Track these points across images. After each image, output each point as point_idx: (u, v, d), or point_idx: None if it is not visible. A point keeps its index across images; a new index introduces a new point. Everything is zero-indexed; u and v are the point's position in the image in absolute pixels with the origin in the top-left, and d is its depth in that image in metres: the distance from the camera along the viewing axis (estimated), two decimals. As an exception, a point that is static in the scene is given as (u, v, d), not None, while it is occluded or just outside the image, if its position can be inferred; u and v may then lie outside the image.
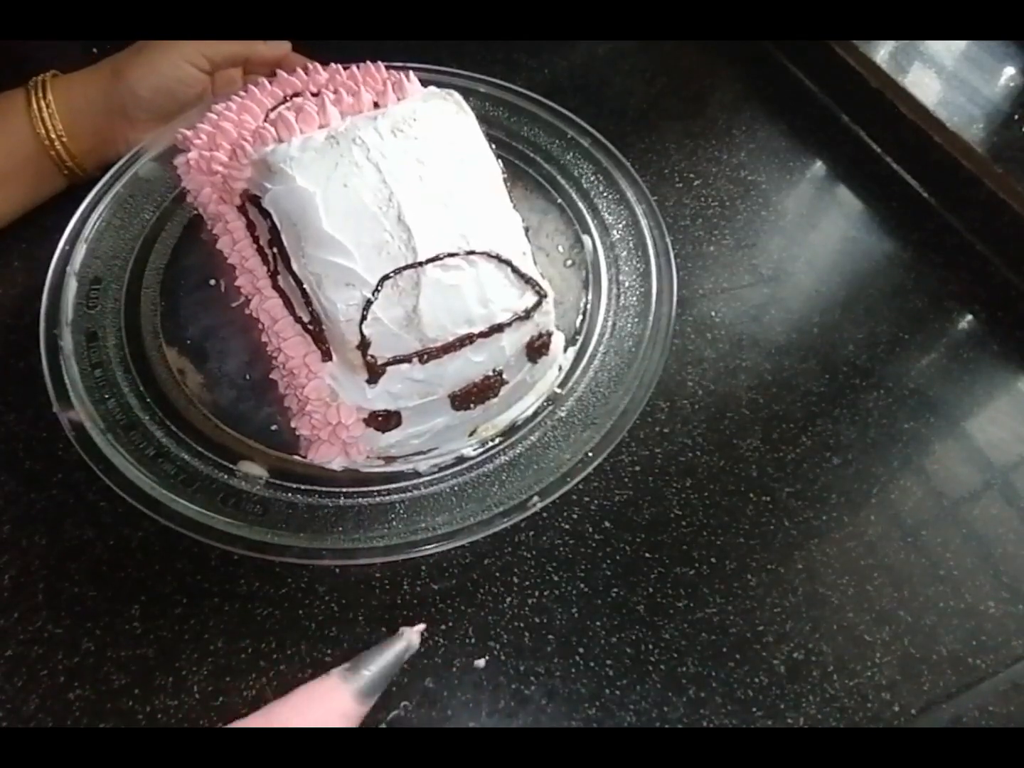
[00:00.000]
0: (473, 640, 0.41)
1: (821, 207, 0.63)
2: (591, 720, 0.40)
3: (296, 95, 0.46)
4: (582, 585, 0.43)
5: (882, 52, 0.64)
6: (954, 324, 0.56)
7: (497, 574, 0.44)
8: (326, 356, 0.40)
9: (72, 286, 0.47)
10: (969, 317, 0.57)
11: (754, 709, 0.40)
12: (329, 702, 0.35)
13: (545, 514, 0.45)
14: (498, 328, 0.40)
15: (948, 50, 0.65)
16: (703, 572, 0.44)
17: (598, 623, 0.42)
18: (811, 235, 0.60)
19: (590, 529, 0.45)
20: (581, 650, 0.42)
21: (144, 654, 0.40)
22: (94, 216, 0.50)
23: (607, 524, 0.46)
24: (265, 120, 0.44)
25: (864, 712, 0.41)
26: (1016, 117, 0.60)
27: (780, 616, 0.43)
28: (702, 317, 0.55)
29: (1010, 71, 0.64)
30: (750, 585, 0.44)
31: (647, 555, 0.45)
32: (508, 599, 0.43)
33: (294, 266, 0.39)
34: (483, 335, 0.40)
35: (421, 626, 0.40)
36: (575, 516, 0.46)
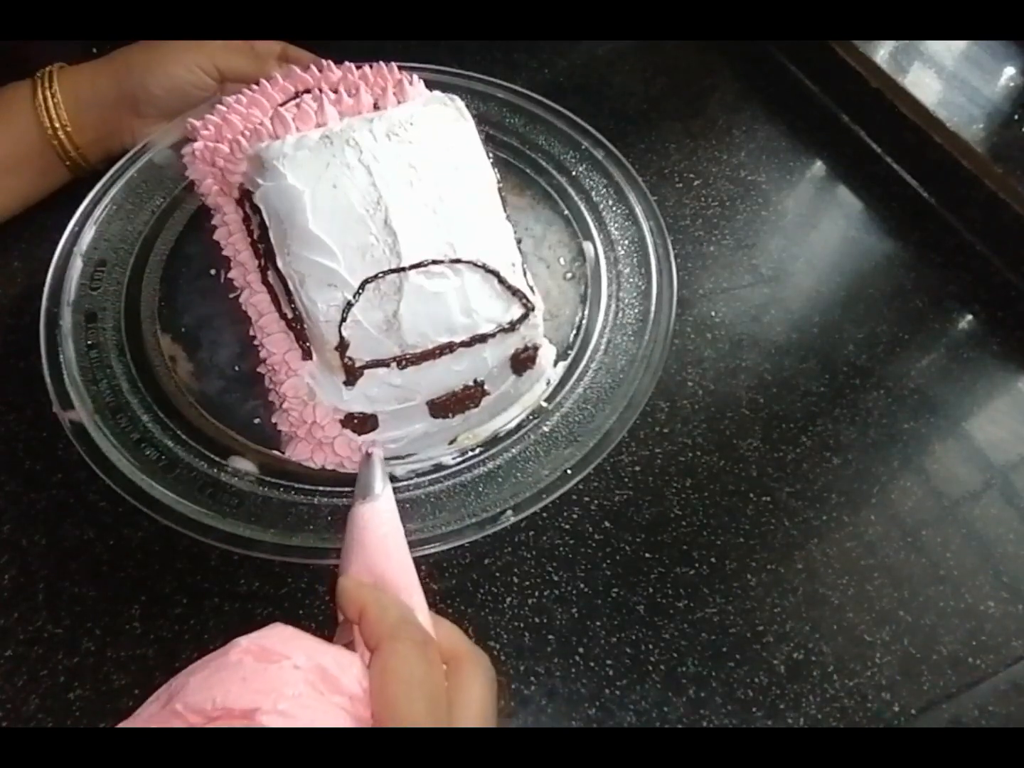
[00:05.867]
0: (473, 640, 0.41)
1: (821, 207, 0.63)
2: (591, 720, 0.40)
3: (307, 91, 0.46)
4: (582, 585, 0.44)
5: (882, 52, 0.64)
6: (954, 324, 0.56)
7: (497, 574, 0.44)
8: (306, 355, 0.40)
9: (77, 266, 0.47)
10: (969, 317, 0.57)
11: (754, 709, 0.40)
12: (373, 522, 0.35)
13: (545, 514, 0.45)
14: (480, 339, 0.39)
15: (948, 50, 0.65)
16: (703, 572, 0.44)
17: (598, 623, 0.42)
18: (811, 235, 0.60)
19: (590, 529, 0.45)
20: (581, 650, 0.42)
21: (144, 654, 0.40)
22: (106, 199, 0.50)
23: (607, 524, 0.46)
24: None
25: (864, 712, 0.41)
26: (1016, 117, 0.60)
27: (780, 616, 0.43)
28: (702, 317, 0.55)
29: (1010, 71, 0.64)
30: (750, 585, 0.44)
31: (647, 555, 0.45)
32: (508, 599, 0.43)
33: (279, 263, 0.39)
34: (464, 344, 0.39)
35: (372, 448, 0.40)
36: (575, 516, 0.46)
